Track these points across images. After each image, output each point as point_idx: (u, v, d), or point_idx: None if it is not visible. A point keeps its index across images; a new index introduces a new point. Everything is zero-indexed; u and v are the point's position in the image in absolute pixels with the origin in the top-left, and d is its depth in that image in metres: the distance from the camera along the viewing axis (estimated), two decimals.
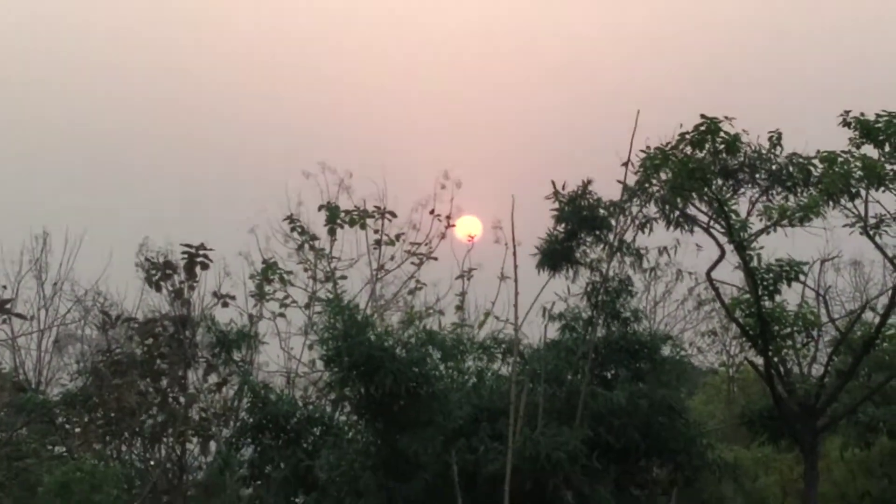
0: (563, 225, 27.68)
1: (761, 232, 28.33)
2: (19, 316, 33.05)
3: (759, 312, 28.33)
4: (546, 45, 75.28)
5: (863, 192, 27.81)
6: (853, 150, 27.73)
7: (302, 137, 61.24)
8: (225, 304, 34.57)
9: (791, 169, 28.05)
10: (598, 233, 27.79)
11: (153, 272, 34.13)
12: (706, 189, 27.72)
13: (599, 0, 79.38)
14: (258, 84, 70.27)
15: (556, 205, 27.99)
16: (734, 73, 67.27)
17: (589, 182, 28.05)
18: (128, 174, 58.02)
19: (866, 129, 27.68)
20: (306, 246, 35.68)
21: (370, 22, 78.40)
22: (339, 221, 35.21)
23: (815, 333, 30.85)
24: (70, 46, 67.37)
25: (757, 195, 28.43)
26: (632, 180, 28.50)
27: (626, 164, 27.73)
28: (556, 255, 27.62)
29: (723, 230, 28.20)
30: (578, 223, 27.63)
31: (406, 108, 68.39)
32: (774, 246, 28.64)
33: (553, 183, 28.33)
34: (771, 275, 28.27)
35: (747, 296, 29.05)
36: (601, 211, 27.80)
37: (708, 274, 29.46)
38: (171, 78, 68.86)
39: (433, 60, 73.17)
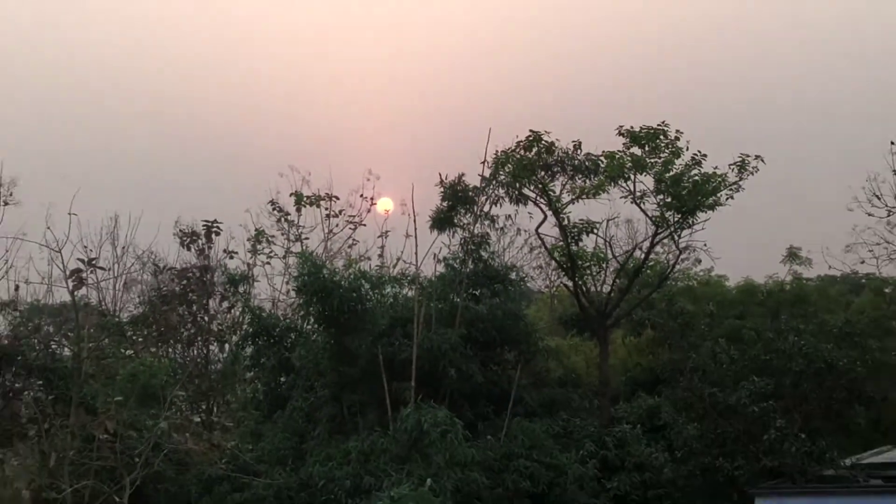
0: (446, 202, 27.68)
1: (569, 203, 28.81)
2: (100, 268, 31.53)
3: (569, 253, 29.15)
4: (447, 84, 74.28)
5: (632, 176, 28.22)
6: (625, 150, 28.11)
7: (279, 143, 62.37)
8: (231, 257, 34.62)
9: (587, 163, 28.14)
10: (467, 206, 27.78)
11: (184, 238, 34.12)
12: (533, 177, 28.03)
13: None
14: (251, 109, 70.21)
15: (442, 189, 27.86)
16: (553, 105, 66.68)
17: (462, 175, 28.04)
18: (165, 179, 58.61)
19: (633, 137, 28.02)
20: (282, 219, 35.16)
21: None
22: (303, 203, 34.99)
23: (604, 265, 31.46)
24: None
25: (566, 180, 28.53)
26: (487, 173, 28.05)
27: (483, 163, 27.66)
28: (441, 221, 27.68)
29: (545, 202, 28.58)
30: (455, 200, 27.62)
31: (350, 123, 68.41)
32: (578, 212, 29.21)
33: (440, 175, 28.26)
34: (576, 229, 28.96)
35: (561, 243, 29.63)
36: (469, 193, 27.78)
37: (536, 230, 29.92)
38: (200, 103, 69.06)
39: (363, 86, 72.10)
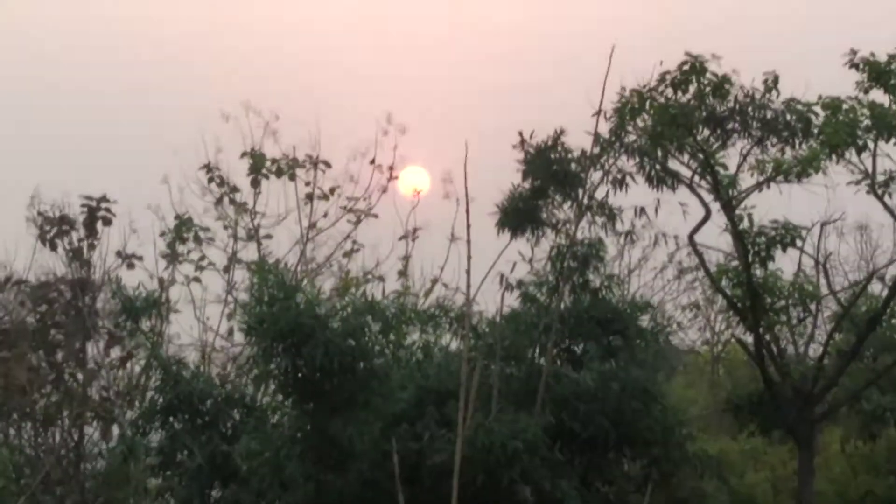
0: (528, 180, 27.96)
1: (753, 189, 28.65)
2: None
3: (750, 282, 28.76)
4: None
5: (871, 145, 27.97)
6: (860, 95, 28.00)
7: (224, 74, 61.30)
8: (131, 266, 34.42)
9: (788, 117, 28.10)
10: (567, 190, 27.98)
11: (47, 228, 33.90)
12: (690, 138, 28.03)
13: None
14: (172, 12, 70.95)
15: (523, 157, 28.12)
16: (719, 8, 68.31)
17: (561, 132, 27.93)
18: (13, 115, 57.80)
19: (876, 72, 27.91)
20: (226, 199, 35.78)
21: None
22: (264, 171, 35.30)
23: (813, 307, 31.25)
24: None
25: (749, 147, 28.53)
26: (606, 129, 28.43)
27: (598, 113, 27.51)
28: (519, 215, 27.83)
29: (709, 187, 28.61)
30: (547, 178, 27.83)
31: (345, 49, 69.53)
32: (768, 206, 28.96)
33: (520, 133, 28.29)
34: (763, 239, 28.70)
35: (736, 263, 29.49)
36: (572, 165, 27.97)
37: (691, 237, 29.76)
38: None
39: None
